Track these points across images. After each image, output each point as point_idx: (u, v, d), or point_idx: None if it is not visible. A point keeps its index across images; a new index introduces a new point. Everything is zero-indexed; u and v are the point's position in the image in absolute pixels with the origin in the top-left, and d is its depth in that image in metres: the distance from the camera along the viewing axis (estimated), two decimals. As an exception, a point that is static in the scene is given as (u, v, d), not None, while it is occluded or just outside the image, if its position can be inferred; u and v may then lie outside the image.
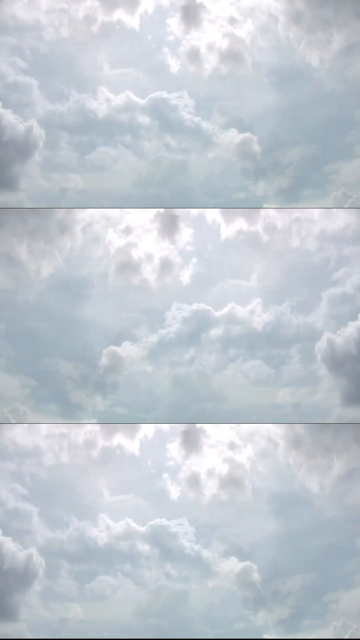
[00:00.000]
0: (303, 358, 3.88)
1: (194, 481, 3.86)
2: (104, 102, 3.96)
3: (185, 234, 3.95)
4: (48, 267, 3.92)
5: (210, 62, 3.98)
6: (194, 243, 3.95)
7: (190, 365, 3.89)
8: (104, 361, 3.88)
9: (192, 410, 3.86)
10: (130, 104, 3.97)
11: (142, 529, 3.82)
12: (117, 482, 3.85)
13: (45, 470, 3.86)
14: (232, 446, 3.87)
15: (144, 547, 3.82)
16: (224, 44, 3.99)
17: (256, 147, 3.95)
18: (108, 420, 3.86)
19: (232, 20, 3.99)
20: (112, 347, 3.88)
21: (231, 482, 3.86)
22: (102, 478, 3.85)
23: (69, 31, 3.98)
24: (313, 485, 3.83)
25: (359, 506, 3.81)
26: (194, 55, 3.98)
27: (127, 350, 3.89)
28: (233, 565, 3.80)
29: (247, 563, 3.80)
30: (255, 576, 3.78)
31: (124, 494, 3.85)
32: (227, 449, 3.87)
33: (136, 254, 3.94)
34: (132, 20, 3.99)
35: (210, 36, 4.00)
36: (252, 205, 3.93)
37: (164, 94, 3.97)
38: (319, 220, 3.93)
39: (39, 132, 3.95)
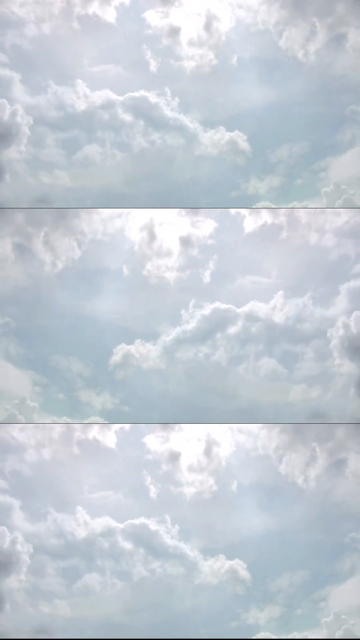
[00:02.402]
0: (319, 355, 3.85)
1: (178, 477, 3.84)
2: (82, 97, 3.91)
3: (203, 230, 3.90)
4: (62, 262, 3.87)
5: (193, 58, 3.92)
6: (214, 238, 3.90)
7: (203, 364, 3.85)
8: (115, 359, 3.85)
9: (202, 410, 3.84)
10: (116, 102, 3.92)
11: (131, 526, 3.82)
12: (103, 479, 3.83)
13: (27, 466, 3.84)
14: (215, 439, 3.85)
15: (129, 545, 3.81)
16: (205, 37, 3.93)
17: (245, 145, 3.90)
18: (116, 419, 3.83)
19: (213, 13, 3.93)
20: (124, 346, 3.85)
21: (215, 477, 3.84)
22: (88, 474, 3.83)
23: (50, 26, 3.91)
24: (299, 479, 3.82)
25: (346, 501, 3.80)
26: (176, 50, 3.92)
27: (138, 348, 3.85)
28: (221, 563, 3.79)
29: (236, 561, 3.79)
30: (245, 574, 3.78)
31: (107, 490, 3.83)
32: (210, 443, 3.85)
33: (153, 249, 3.89)
34: (109, 15, 3.92)
35: (191, 29, 3.93)
36: (245, 203, 3.89)
37: (150, 92, 3.91)
38: (335, 217, 3.89)
39: (25, 119, 3.90)
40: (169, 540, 3.80)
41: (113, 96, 3.92)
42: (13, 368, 3.83)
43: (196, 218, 3.89)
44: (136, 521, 3.81)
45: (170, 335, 3.86)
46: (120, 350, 3.85)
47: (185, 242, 3.90)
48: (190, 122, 3.91)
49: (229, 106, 3.91)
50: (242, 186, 3.90)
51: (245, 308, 3.87)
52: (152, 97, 3.91)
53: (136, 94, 3.92)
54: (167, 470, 3.84)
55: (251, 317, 3.87)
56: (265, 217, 3.89)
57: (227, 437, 3.84)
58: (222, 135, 3.90)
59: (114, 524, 3.81)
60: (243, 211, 3.89)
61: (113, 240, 3.89)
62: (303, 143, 3.90)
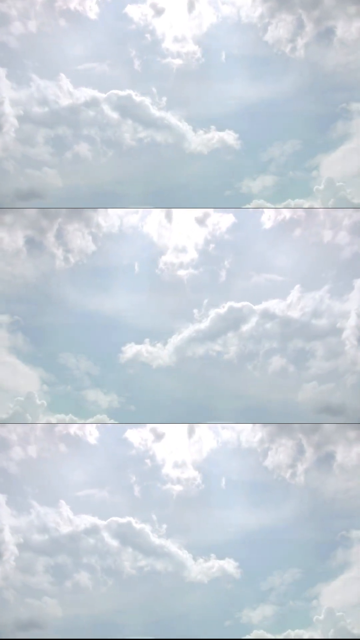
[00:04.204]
0: (330, 354, 3.84)
1: (166, 475, 3.83)
2: (67, 94, 3.88)
3: (218, 227, 3.87)
4: (75, 256, 3.84)
5: (179, 55, 3.89)
6: (229, 235, 3.88)
7: (214, 363, 3.83)
8: (124, 358, 3.82)
9: (210, 409, 3.82)
10: (103, 100, 3.89)
11: (118, 525, 3.80)
12: (90, 476, 3.81)
13: (14, 463, 3.81)
14: (199, 434, 3.84)
15: (118, 544, 3.79)
16: (190, 34, 3.90)
17: (237, 144, 3.88)
18: (123, 419, 3.81)
19: (197, 7, 3.91)
20: (133, 345, 3.82)
21: (204, 474, 3.83)
22: (74, 471, 3.80)
23: (35, 23, 3.87)
24: (287, 474, 3.83)
25: (336, 497, 3.81)
26: (162, 48, 3.89)
27: (148, 347, 3.82)
28: (212, 562, 3.79)
29: (226, 560, 3.80)
30: (236, 573, 3.78)
31: (95, 488, 3.81)
32: (194, 438, 3.84)
33: (167, 246, 3.86)
34: (90, 10, 3.88)
35: (176, 26, 3.91)
36: (239, 202, 3.88)
37: (138, 91, 3.88)
38: (354, 213, 3.88)
39: (10, 111, 3.87)
40: (158, 539, 3.79)
41: (99, 94, 3.89)
42: (22, 365, 3.81)
43: (211, 215, 3.87)
44: (125, 519, 3.80)
45: (181, 334, 3.84)
46: (129, 349, 3.83)
47: (200, 239, 3.88)
48: (179, 120, 3.88)
49: (219, 104, 3.89)
50: (235, 185, 3.88)
51: (261, 306, 3.86)
52: (142, 97, 3.89)
53: (122, 93, 3.89)
54: (152, 468, 3.82)
55: (266, 315, 3.85)
56: (280, 214, 3.88)
57: (211, 432, 3.83)
58: (213, 134, 3.88)
59: (100, 522, 3.80)
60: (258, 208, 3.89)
61: (128, 236, 3.86)
62: (295, 141, 3.89)
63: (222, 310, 3.85)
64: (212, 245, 3.87)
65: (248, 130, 3.88)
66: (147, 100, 3.88)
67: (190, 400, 3.82)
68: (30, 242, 3.85)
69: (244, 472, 3.83)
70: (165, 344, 3.84)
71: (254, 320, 3.85)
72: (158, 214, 3.86)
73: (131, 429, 3.81)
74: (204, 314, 3.85)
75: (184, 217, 3.87)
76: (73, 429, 3.80)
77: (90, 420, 3.81)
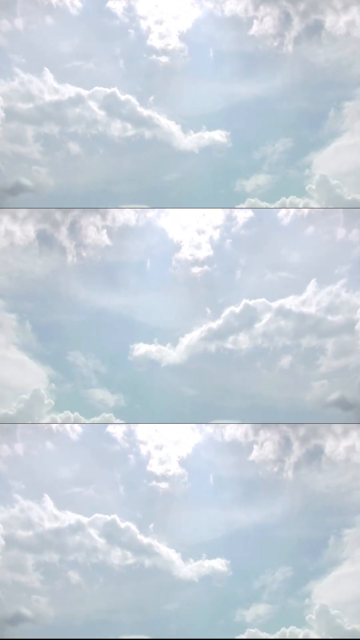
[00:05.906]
0: (341, 352, 3.84)
1: (151, 472, 3.81)
2: (54, 92, 3.87)
3: (233, 225, 3.87)
4: (86, 254, 3.82)
5: (166, 52, 3.88)
6: (242, 233, 3.87)
7: (223, 362, 3.82)
8: (132, 357, 3.80)
9: (219, 409, 3.80)
10: (91, 98, 3.88)
11: (108, 524, 3.78)
12: (84, 474, 3.79)
13: (2, 461, 3.78)
14: (187, 430, 3.83)
15: (109, 543, 3.77)
16: (177, 31, 3.90)
17: (228, 142, 3.87)
18: (129, 418, 3.79)
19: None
20: (143, 344, 3.80)
21: (190, 470, 3.83)
22: (68, 469, 3.78)
23: (22, 21, 3.87)
24: (275, 470, 3.83)
25: (326, 493, 3.81)
26: (149, 45, 3.89)
27: (157, 346, 3.80)
28: (202, 561, 3.78)
29: (217, 560, 3.79)
30: (227, 571, 3.78)
31: (81, 486, 3.79)
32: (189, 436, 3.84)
33: (181, 244, 3.85)
34: (74, 7, 3.88)
35: (162, 22, 3.91)
36: (234, 202, 3.87)
37: (125, 89, 3.88)
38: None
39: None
40: (152, 539, 3.77)
41: (85, 92, 3.88)
42: (30, 363, 3.79)
43: (225, 214, 3.86)
44: (115, 518, 3.79)
45: (192, 332, 3.83)
46: (139, 348, 3.81)
47: (214, 237, 3.86)
48: (168, 119, 3.87)
49: (208, 102, 3.89)
50: (228, 184, 3.87)
51: (276, 303, 3.85)
52: (129, 95, 3.88)
53: (109, 90, 3.88)
54: (140, 466, 3.81)
55: (280, 312, 3.84)
56: (288, 213, 3.87)
57: (196, 426, 3.82)
58: (203, 133, 3.87)
59: (86, 520, 3.78)
60: (268, 207, 3.89)
61: (142, 232, 3.85)
62: (286, 139, 3.89)
63: (237, 308, 3.84)
64: (226, 243, 3.87)
65: (239, 129, 3.87)
66: (134, 99, 3.87)
67: (197, 399, 3.81)
68: (42, 237, 3.83)
69: (230, 467, 3.82)
70: (175, 343, 3.82)
71: (267, 317, 3.85)
72: (172, 210, 3.86)
73: (121, 428, 3.80)
74: (217, 312, 3.84)
75: (197, 214, 3.86)
76: (55, 425, 3.78)
77: (96, 419, 3.79)
